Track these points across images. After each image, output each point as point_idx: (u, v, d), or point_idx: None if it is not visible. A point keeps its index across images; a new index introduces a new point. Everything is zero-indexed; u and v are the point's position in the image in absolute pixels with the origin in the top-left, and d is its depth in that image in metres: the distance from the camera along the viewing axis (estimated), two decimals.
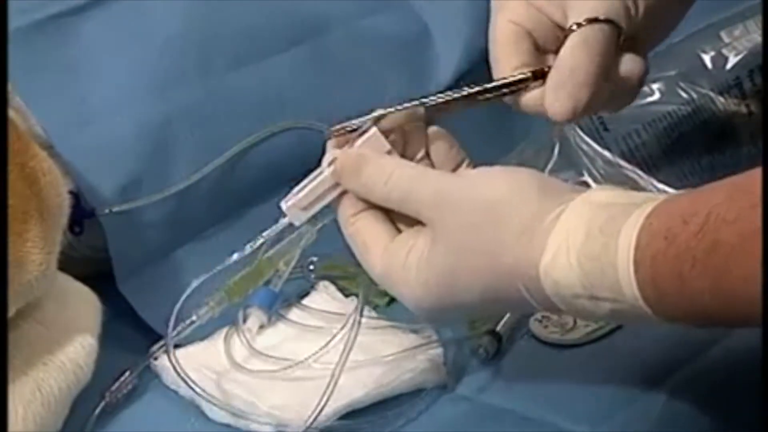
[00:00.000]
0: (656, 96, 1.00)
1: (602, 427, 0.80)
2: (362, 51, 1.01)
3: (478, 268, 0.72)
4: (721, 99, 0.98)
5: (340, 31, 1.00)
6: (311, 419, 0.79)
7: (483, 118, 1.04)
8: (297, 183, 0.79)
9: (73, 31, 0.94)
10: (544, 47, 0.83)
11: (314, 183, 0.78)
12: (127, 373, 0.84)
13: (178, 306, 0.83)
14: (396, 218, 0.77)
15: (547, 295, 0.70)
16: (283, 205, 0.79)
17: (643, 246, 0.65)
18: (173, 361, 0.82)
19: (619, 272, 0.66)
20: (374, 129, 0.78)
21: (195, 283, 0.83)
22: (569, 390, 0.83)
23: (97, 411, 0.82)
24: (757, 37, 1.00)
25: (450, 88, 1.03)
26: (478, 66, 1.04)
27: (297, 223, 0.80)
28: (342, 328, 0.85)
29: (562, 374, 0.85)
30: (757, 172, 0.63)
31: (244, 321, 0.89)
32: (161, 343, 0.85)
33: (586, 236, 0.68)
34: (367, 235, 0.77)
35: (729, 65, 1.00)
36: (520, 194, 0.72)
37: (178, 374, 0.82)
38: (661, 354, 0.85)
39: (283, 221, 0.80)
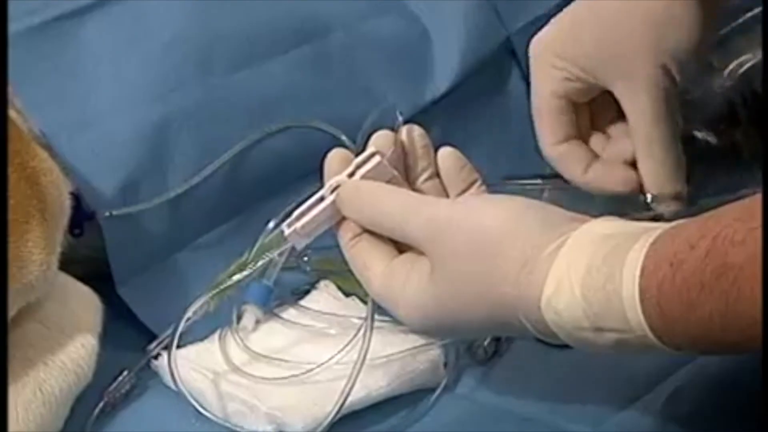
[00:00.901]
0: None
1: (602, 427, 0.79)
2: (361, 54, 1.01)
3: (478, 298, 0.72)
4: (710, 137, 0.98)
5: (339, 34, 1.00)
6: (322, 426, 0.79)
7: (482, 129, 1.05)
8: (298, 205, 0.81)
9: (73, 34, 0.94)
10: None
11: (316, 211, 0.80)
12: (126, 373, 0.84)
13: (182, 323, 0.83)
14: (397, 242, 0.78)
15: (548, 326, 0.69)
16: (286, 230, 0.80)
17: (648, 274, 0.65)
18: (172, 365, 0.82)
19: (624, 302, 0.65)
20: (377, 157, 0.79)
21: (200, 301, 0.84)
22: (569, 390, 0.83)
23: (96, 411, 0.82)
24: (751, 57, 1.00)
25: (448, 91, 1.04)
26: (479, 66, 1.05)
27: (299, 248, 0.82)
28: (355, 335, 0.84)
29: (562, 374, 0.85)
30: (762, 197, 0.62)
31: (239, 319, 0.89)
32: (158, 341, 0.85)
33: (588, 268, 0.67)
34: (366, 256, 0.78)
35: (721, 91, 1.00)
36: (518, 224, 0.72)
37: (174, 379, 0.82)
38: (660, 355, 0.84)
39: (286, 246, 0.82)
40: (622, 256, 0.66)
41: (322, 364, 0.83)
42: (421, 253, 0.76)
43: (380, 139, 0.81)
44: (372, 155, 0.80)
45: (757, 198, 0.62)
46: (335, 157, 0.80)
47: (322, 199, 0.80)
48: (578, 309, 0.67)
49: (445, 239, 0.73)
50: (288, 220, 0.81)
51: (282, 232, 0.81)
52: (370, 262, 0.77)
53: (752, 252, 0.60)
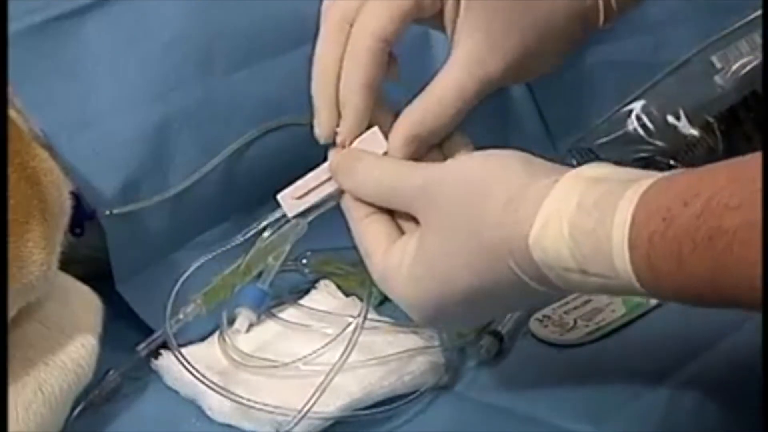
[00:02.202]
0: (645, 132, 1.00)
1: (602, 426, 0.80)
2: None
3: (467, 250, 0.71)
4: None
5: None
6: (297, 418, 0.79)
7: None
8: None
9: (74, 33, 0.94)
10: None
11: (310, 175, 0.80)
12: (111, 372, 0.85)
13: (173, 294, 0.84)
14: (400, 220, 0.77)
15: (537, 268, 0.68)
16: (278, 196, 0.81)
17: (639, 224, 0.64)
18: (177, 356, 0.82)
19: (613, 249, 0.65)
20: (374, 128, 0.79)
21: (190, 305, 0.84)
22: (569, 390, 0.83)
23: (78, 409, 0.82)
24: (753, 59, 1.00)
25: None
26: None
27: (290, 214, 0.81)
28: (344, 330, 0.85)
29: (562, 374, 0.85)
30: (757, 157, 0.61)
31: (232, 322, 0.89)
32: (147, 341, 0.85)
33: (578, 208, 0.67)
34: (369, 241, 0.77)
35: (723, 92, 1.00)
36: (505, 170, 0.72)
37: (185, 366, 0.82)
38: (661, 354, 0.85)
39: (278, 211, 0.81)
40: (614, 201, 0.66)
41: (302, 358, 0.84)
42: (415, 229, 0.75)
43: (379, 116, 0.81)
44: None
45: (753, 159, 0.62)
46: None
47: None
48: (565, 249, 0.67)
49: (435, 197, 0.73)
50: (284, 191, 0.81)
51: (275, 200, 0.81)
52: (371, 246, 0.77)
53: (747, 218, 0.60)
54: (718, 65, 1.01)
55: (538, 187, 0.69)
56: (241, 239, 0.84)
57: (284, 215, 0.82)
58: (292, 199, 0.80)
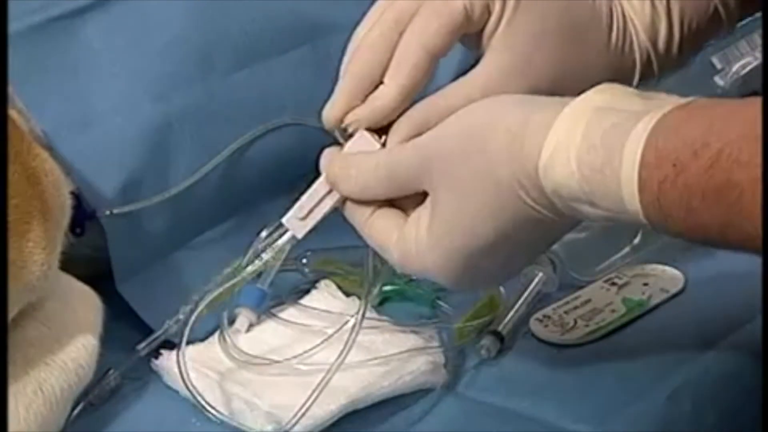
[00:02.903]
0: None
1: (602, 426, 0.80)
2: None
3: (479, 195, 0.70)
4: None
5: (340, 34, 1.00)
6: (297, 418, 0.79)
7: None
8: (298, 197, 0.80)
9: (74, 33, 0.94)
10: None
11: (308, 192, 0.79)
12: (111, 371, 0.85)
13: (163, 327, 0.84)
14: (405, 207, 0.76)
15: (547, 196, 0.68)
16: (283, 220, 0.80)
17: (649, 167, 0.64)
18: (180, 364, 0.82)
19: (622, 189, 0.65)
20: (361, 131, 0.78)
21: (203, 304, 0.84)
22: (569, 390, 0.83)
23: (78, 409, 0.82)
24: (752, 60, 1.00)
25: None
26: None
27: (299, 236, 0.80)
28: (340, 328, 0.85)
29: (562, 374, 0.85)
30: None
31: (233, 322, 0.89)
32: (147, 341, 0.85)
33: (585, 142, 0.66)
34: (379, 236, 0.77)
35: (723, 92, 1.00)
36: (500, 111, 0.71)
37: (182, 375, 0.82)
38: (661, 354, 0.85)
39: (287, 236, 0.80)
40: (621, 138, 0.65)
41: (298, 355, 0.84)
42: (422, 201, 0.75)
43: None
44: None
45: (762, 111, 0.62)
46: (326, 152, 0.80)
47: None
48: (574, 182, 0.67)
49: (437, 158, 0.72)
50: (287, 214, 0.80)
51: (281, 224, 0.80)
52: (384, 239, 0.76)
53: (756, 175, 0.60)
54: (719, 65, 1.01)
55: (539, 119, 0.69)
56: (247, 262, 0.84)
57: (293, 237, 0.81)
58: (297, 221, 0.79)
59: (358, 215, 0.78)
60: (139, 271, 0.92)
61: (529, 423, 0.81)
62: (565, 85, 0.76)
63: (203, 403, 0.81)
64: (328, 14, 1.00)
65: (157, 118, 0.94)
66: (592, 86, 0.70)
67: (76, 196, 0.87)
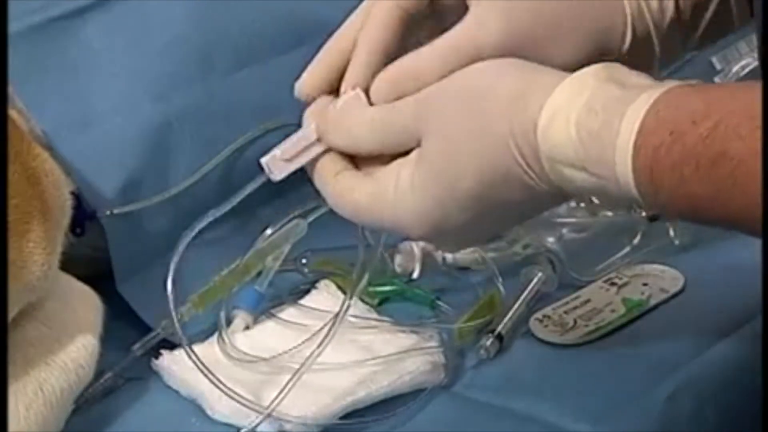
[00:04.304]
0: None
1: (602, 426, 0.80)
2: None
3: (472, 147, 0.69)
4: None
5: None
6: (297, 417, 0.79)
7: None
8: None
9: (74, 33, 0.94)
10: None
11: (296, 137, 0.76)
12: (108, 373, 0.85)
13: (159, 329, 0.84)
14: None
15: (539, 159, 0.68)
16: (262, 161, 0.76)
17: (645, 133, 0.64)
18: (187, 351, 0.82)
19: (617, 154, 0.65)
20: (357, 90, 0.76)
21: (187, 305, 0.84)
22: (569, 390, 0.83)
23: (71, 409, 0.82)
24: (752, 61, 1.00)
25: None
26: None
27: (276, 179, 0.77)
28: (325, 325, 0.84)
29: (562, 374, 0.85)
30: None
31: (229, 323, 0.89)
32: (142, 341, 0.85)
33: (586, 106, 0.66)
34: (351, 183, 0.74)
35: None
36: (508, 69, 0.71)
37: (194, 364, 0.82)
38: (660, 354, 0.85)
39: (264, 175, 0.77)
40: (623, 107, 0.65)
41: (285, 352, 0.84)
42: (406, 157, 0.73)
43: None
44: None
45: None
46: (318, 102, 0.77)
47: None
48: (570, 144, 0.66)
49: (436, 107, 0.71)
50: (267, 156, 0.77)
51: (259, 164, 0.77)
52: (354, 184, 0.74)
53: (753, 149, 0.60)
54: (718, 66, 1.01)
55: (543, 81, 0.69)
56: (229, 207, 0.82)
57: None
58: (276, 163, 0.76)
59: (325, 169, 0.75)
60: (139, 271, 0.92)
61: (529, 423, 0.81)
62: (548, 39, 0.75)
63: (203, 403, 0.82)
64: (328, 14, 1.00)
65: (157, 118, 0.94)
66: (577, 41, 0.71)
67: (77, 196, 0.87)
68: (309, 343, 0.86)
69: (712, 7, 0.80)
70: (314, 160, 0.75)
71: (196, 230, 0.82)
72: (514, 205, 0.72)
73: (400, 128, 0.73)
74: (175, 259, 0.81)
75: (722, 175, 0.61)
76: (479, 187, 0.70)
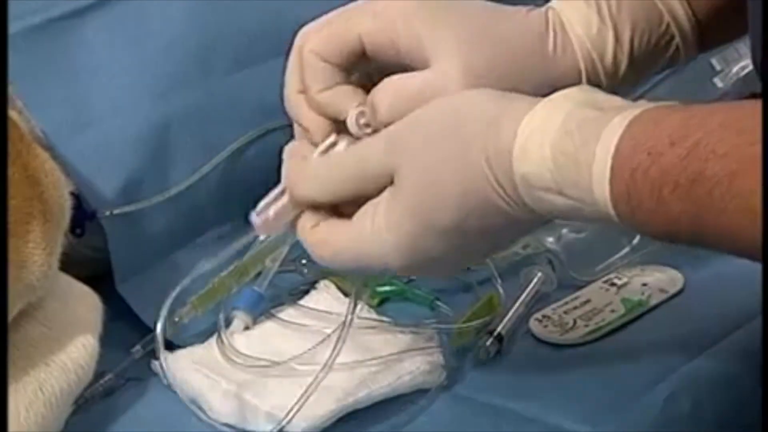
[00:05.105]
0: None
1: (602, 427, 0.80)
2: None
3: (449, 177, 0.69)
4: None
5: None
6: (297, 418, 0.79)
7: None
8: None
9: (74, 33, 0.94)
10: None
11: (279, 205, 0.77)
12: (109, 375, 0.85)
13: (167, 303, 0.84)
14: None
15: (515, 184, 0.67)
16: (255, 220, 0.77)
17: (622, 154, 0.64)
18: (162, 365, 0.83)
19: (593, 177, 0.65)
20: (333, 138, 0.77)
21: (187, 306, 0.84)
22: (569, 390, 0.83)
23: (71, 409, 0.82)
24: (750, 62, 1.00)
25: None
26: None
27: (261, 238, 0.81)
28: (336, 329, 0.85)
29: (562, 374, 0.85)
30: (754, 106, 0.61)
31: (228, 324, 0.89)
32: (142, 342, 0.86)
33: (562, 129, 0.66)
34: (325, 232, 0.74)
35: (722, 94, 1.00)
36: (479, 99, 0.70)
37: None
38: (660, 354, 0.85)
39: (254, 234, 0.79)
40: (598, 128, 0.65)
41: (296, 357, 0.84)
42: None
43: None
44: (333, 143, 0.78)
45: (744, 107, 0.62)
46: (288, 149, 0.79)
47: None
48: (545, 168, 0.66)
49: (409, 139, 0.71)
50: (256, 210, 0.77)
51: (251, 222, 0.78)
52: (333, 233, 0.74)
53: (732, 168, 0.60)
54: (718, 67, 1.01)
55: (517, 107, 0.68)
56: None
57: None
58: (263, 221, 0.77)
59: (304, 223, 0.75)
60: (139, 272, 0.92)
61: (528, 423, 0.81)
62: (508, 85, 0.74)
63: (203, 403, 0.82)
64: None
65: (157, 118, 0.94)
66: (536, 94, 0.69)
67: (76, 197, 0.87)
68: (307, 343, 0.86)
69: (667, 55, 0.80)
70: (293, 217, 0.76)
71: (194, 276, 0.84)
72: (494, 232, 0.71)
73: (372, 167, 0.72)
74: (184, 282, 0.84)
75: (701, 194, 0.61)
76: (457, 217, 0.69)
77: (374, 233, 0.71)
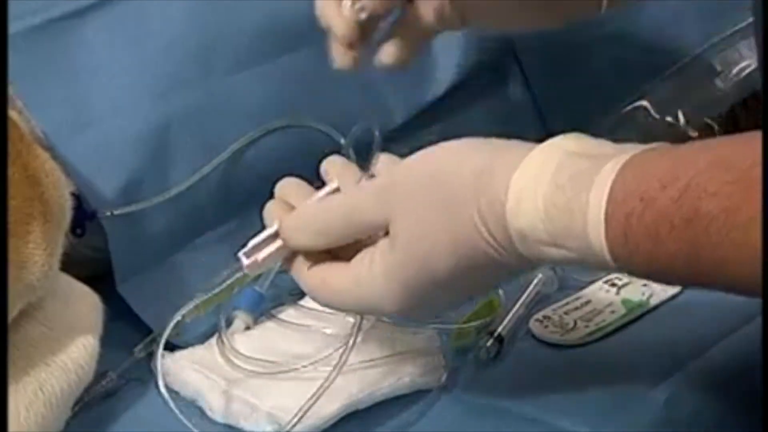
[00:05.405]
0: None
1: (602, 427, 0.80)
2: None
3: (442, 228, 0.70)
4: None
5: None
6: (297, 418, 0.79)
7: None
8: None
9: (75, 34, 0.94)
10: None
11: (271, 249, 0.78)
12: (110, 373, 0.85)
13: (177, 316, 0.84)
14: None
15: (510, 237, 0.68)
16: (244, 260, 0.79)
17: (616, 202, 0.64)
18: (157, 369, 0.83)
19: (588, 225, 0.65)
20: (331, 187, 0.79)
21: (187, 307, 0.84)
22: (569, 390, 0.83)
23: (75, 409, 0.82)
24: (752, 63, 1.00)
25: (448, 91, 1.04)
26: (479, 66, 1.05)
27: (251, 275, 0.81)
28: (350, 335, 0.85)
29: (562, 374, 0.85)
30: (741, 142, 0.62)
31: (229, 324, 0.89)
32: (144, 342, 0.86)
33: (553, 181, 0.66)
34: (322, 275, 0.77)
35: (723, 95, 1.00)
36: (468, 149, 0.71)
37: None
38: (660, 354, 0.85)
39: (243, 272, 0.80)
40: (590, 178, 0.66)
41: (313, 363, 0.83)
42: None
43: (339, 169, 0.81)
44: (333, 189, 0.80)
45: (734, 144, 0.63)
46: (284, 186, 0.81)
47: (276, 234, 0.79)
48: (539, 222, 0.67)
49: (400, 191, 0.72)
50: (245, 249, 0.79)
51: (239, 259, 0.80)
52: (329, 276, 0.76)
53: (725, 205, 0.61)
54: (718, 68, 1.01)
55: (507, 159, 0.69)
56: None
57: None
58: (251, 260, 0.79)
59: (300, 265, 0.78)
60: (139, 272, 0.92)
61: (529, 424, 0.81)
62: None
63: (203, 404, 0.82)
64: None
65: (157, 119, 0.94)
66: None
67: (77, 197, 0.87)
68: (308, 344, 0.86)
69: None
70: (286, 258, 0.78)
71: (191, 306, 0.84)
72: (487, 277, 0.73)
73: (366, 222, 0.74)
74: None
75: (698, 231, 0.62)
76: (451, 268, 0.71)
77: (372, 279, 0.73)
